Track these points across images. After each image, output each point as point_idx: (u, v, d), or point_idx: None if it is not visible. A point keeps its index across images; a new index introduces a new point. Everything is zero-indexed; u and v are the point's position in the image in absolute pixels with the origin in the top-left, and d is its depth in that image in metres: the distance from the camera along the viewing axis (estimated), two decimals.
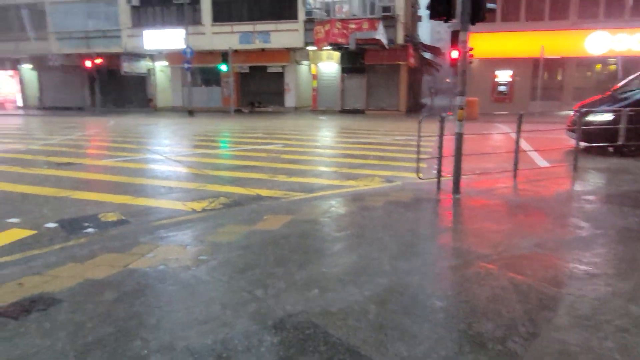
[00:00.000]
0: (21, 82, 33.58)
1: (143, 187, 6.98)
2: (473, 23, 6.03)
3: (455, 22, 6.19)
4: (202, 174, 8.02)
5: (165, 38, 26.90)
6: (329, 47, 24.60)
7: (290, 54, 26.55)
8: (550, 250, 4.06)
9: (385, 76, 25.65)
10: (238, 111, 27.01)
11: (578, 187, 6.89)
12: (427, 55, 35.81)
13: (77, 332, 2.68)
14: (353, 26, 23.09)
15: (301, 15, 24.68)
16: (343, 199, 6.08)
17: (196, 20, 26.49)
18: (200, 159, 9.69)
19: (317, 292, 3.18)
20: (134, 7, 27.53)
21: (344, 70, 26.17)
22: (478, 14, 5.99)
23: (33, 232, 4.80)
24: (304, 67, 27.82)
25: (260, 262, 3.79)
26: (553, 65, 23.49)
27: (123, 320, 2.80)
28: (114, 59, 28.11)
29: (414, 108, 28.42)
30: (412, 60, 25.72)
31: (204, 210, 5.69)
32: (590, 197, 6.14)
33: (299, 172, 8.11)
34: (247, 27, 25.84)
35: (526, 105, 23.11)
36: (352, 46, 23.00)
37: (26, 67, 32.81)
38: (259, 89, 28.49)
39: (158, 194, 6.55)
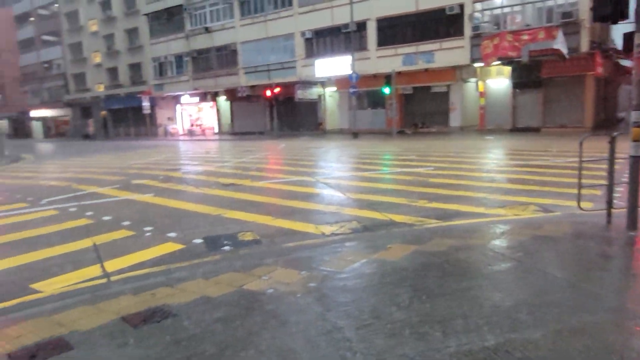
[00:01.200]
0: (218, 111, 39.25)
1: (284, 209, 7.36)
2: None
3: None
4: (343, 196, 8.13)
5: (333, 65, 28.57)
6: (498, 62, 22.98)
7: (455, 72, 25.59)
8: None
9: (567, 89, 22.78)
10: (401, 132, 26.98)
11: None
12: (626, 62, 30.71)
13: (173, 346, 2.87)
14: (526, 37, 21.17)
15: (467, 31, 23.66)
16: (481, 230, 5.47)
17: (362, 46, 27.52)
18: (347, 182, 9.86)
19: (410, 334, 2.85)
20: (307, 40, 29.96)
21: (516, 85, 24.08)
22: None
23: (182, 246, 5.42)
24: (470, 84, 26.49)
25: (363, 297, 3.60)
26: None
27: (212, 344, 2.91)
28: (289, 87, 30.92)
29: (605, 124, 24.54)
30: (600, 70, 22.35)
31: (332, 234, 5.72)
32: None
33: (441, 197, 7.62)
34: (410, 48, 25.84)
35: None
36: (524, 59, 21.09)
37: (221, 99, 38.26)
38: (423, 109, 28.07)
39: (296, 215, 6.82)
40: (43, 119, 54.46)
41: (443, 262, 4.30)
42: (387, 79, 24.95)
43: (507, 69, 23.95)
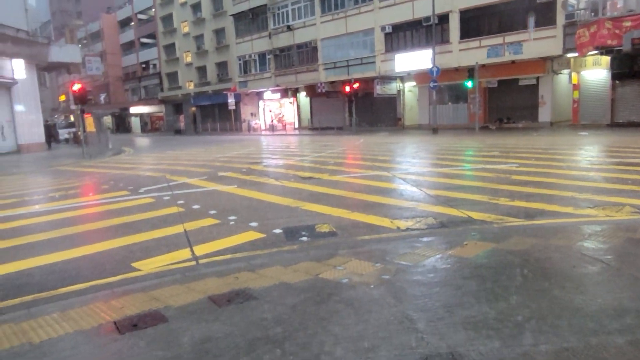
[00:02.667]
0: (297, 107, 40.21)
1: (360, 202, 7.47)
2: None
3: None
4: (421, 192, 8.06)
5: (413, 59, 28.07)
6: (595, 52, 21.23)
7: (545, 64, 24.05)
8: None
9: None
10: (484, 128, 25.91)
11: None
12: None
13: (254, 326, 3.10)
14: (629, 24, 19.34)
15: (560, 19, 22.10)
16: (567, 231, 5.18)
17: (444, 39, 26.76)
18: (425, 177, 9.73)
19: (484, 330, 2.84)
20: (387, 34, 29.69)
21: (616, 76, 22.11)
22: None
23: (263, 235, 5.73)
24: (562, 76, 24.75)
25: (436, 291, 3.61)
26: None
27: (289, 325, 3.10)
28: (368, 82, 30.88)
29: None
30: None
31: (407, 229, 5.73)
32: None
33: (525, 195, 7.29)
34: (496, 39, 24.66)
35: None
36: (626, 48, 19.30)
37: (301, 95, 39.12)
38: (508, 103, 26.74)
39: (372, 209, 6.89)
40: (140, 115, 59.22)
41: (523, 262, 4.16)
42: (470, 72, 24.06)
43: (606, 59, 22.07)
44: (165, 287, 3.95)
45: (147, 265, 4.80)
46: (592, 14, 21.38)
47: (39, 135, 28.51)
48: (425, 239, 5.11)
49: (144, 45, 56.96)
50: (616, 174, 9.04)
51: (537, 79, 24.88)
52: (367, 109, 33.54)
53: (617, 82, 22.22)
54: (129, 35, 59.10)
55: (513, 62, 24.69)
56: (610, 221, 5.65)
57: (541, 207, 6.54)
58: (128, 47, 59.94)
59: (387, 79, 31.11)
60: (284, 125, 40.82)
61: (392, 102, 32.79)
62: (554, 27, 22.50)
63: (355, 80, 30.43)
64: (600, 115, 22.80)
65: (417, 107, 31.43)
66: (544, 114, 25.01)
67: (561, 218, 5.92)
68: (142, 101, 57.05)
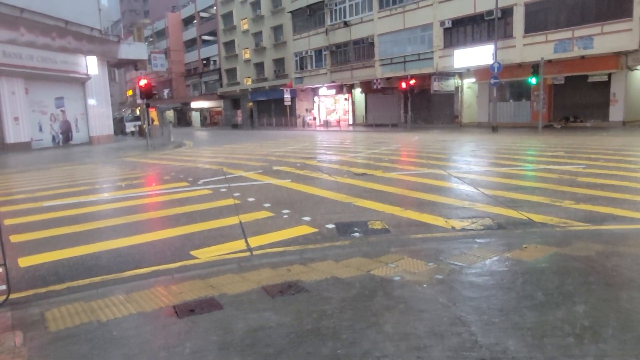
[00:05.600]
0: (352, 103, 40.09)
1: (413, 200, 7.35)
2: None
3: None
4: (478, 192, 7.81)
5: (473, 55, 27.14)
6: None
7: (619, 59, 22.49)
8: None
9: None
10: (549, 127, 24.67)
11: None
12: None
13: (305, 318, 3.15)
14: None
15: (637, 11, 20.56)
16: (637, 238, 4.85)
17: (507, 34, 25.67)
18: (482, 177, 9.42)
19: (541, 338, 2.72)
20: (446, 29, 28.90)
21: None
22: None
23: (315, 229, 5.79)
24: (637, 73, 23.05)
25: (492, 294, 3.49)
26: None
27: (339, 320, 3.12)
28: (425, 79, 30.24)
29: None
30: None
31: (463, 229, 5.59)
32: None
33: (592, 198, 6.89)
34: (564, 33, 23.32)
35: None
36: None
37: (357, 91, 38.96)
38: (576, 101, 25.28)
39: (425, 208, 6.77)
40: (200, 110, 61.37)
41: (587, 268, 3.94)
42: (535, 68, 22.94)
43: None
44: (220, 276, 4.10)
45: (204, 254, 4.98)
46: None
47: (109, 128, 30.28)
48: (481, 240, 4.96)
49: (205, 42, 58.93)
50: None
51: (609, 75, 23.31)
52: (423, 105, 32.88)
53: None
54: (191, 32, 61.35)
55: (582, 57, 23.27)
56: None
57: (610, 211, 6.15)
58: (190, 44, 62.25)
59: (445, 75, 30.32)
60: (338, 121, 40.82)
61: (449, 99, 31.94)
62: (629, 20, 20.96)
63: (412, 77, 29.89)
64: None
65: (475, 105, 30.42)
66: (616, 113, 23.41)
67: (632, 224, 5.54)
68: (202, 96, 59.09)
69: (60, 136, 27.05)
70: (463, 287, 3.66)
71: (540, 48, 24.04)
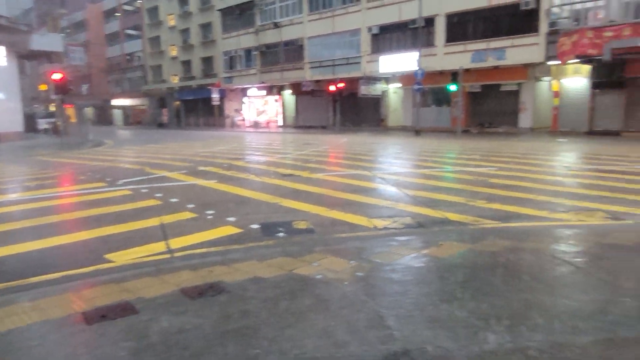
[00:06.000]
0: (282, 105, 40.09)
1: (339, 201, 7.49)
2: None
3: None
4: (399, 192, 8.12)
5: (399, 61, 28.24)
6: (576, 61, 21.67)
7: (528, 70, 24.45)
8: None
9: None
10: (466, 132, 26.22)
11: None
12: None
13: (224, 319, 3.09)
14: (609, 34, 19.79)
15: (543, 27, 22.48)
16: (540, 234, 5.28)
17: (429, 42, 26.98)
18: (405, 178, 9.81)
19: (452, 328, 2.88)
20: (374, 35, 29.81)
21: (595, 85, 22.60)
22: None
23: (240, 230, 5.71)
24: (543, 83, 25.18)
25: (409, 289, 3.64)
26: None
27: (259, 319, 3.10)
28: (353, 83, 30.95)
29: None
30: None
31: (385, 228, 5.77)
32: None
33: (502, 198, 7.41)
34: (480, 44, 24.97)
35: None
36: (606, 57, 19.73)
37: (287, 92, 39.02)
38: (490, 108, 27.09)
39: (350, 208, 6.92)
40: (123, 108, 58.35)
41: (495, 263, 4.23)
42: (454, 76, 24.31)
43: (586, 68, 22.53)
44: (137, 279, 3.91)
45: (121, 257, 4.74)
46: (575, 23, 21.82)
47: (18, 124, 27.85)
48: (401, 238, 5.15)
49: (129, 37, 56.12)
50: (591, 180, 9.25)
51: (519, 85, 25.27)
52: (351, 108, 33.63)
53: (596, 90, 22.71)
54: (113, 26, 58.14)
55: (496, 67, 25.04)
56: (582, 226, 5.78)
57: (517, 210, 6.65)
58: (113, 38, 58.96)
59: (372, 79, 31.24)
60: (268, 123, 40.64)
61: (376, 103, 32.94)
62: (536, 35, 22.89)
63: (341, 80, 30.48)
64: (579, 122, 23.28)
65: (401, 109, 31.64)
66: (525, 120, 25.42)
67: (535, 221, 6.03)
68: (125, 93, 56.20)
69: None
70: (382, 283, 3.78)
71: (459, 57, 25.53)
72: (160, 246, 5.09)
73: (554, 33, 21.98)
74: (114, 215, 6.57)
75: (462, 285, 3.69)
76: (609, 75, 21.91)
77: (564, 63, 22.40)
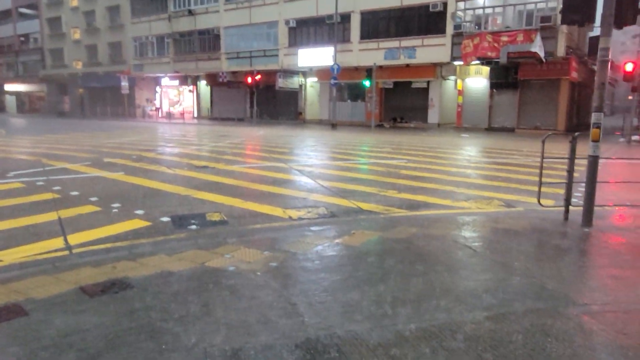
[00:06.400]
0: (197, 95, 38.76)
1: (254, 192, 7.41)
2: (619, 27, 5.13)
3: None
4: (315, 183, 8.21)
5: (316, 56, 28.50)
6: (477, 62, 23.34)
7: (435, 69, 25.89)
8: None
9: (542, 92, 23.36)
10: (380, 126, 27.19)
11: None
12: None
13: (127, 316, 2.91)
14: (505, 39, 21.52)
15: (449, 29, 23.90)
16: (444, 221, 5.62)
17: (345, 38, 27.53)
18: (320, 169, 9.95)
19: (361, 312, 2.97)
20: (291, 28, 29.79)
21: (494, 85, 24.54)
22: (625, 16, 5.07)
23: (148, 223, 5.42)
24: (449, 82, 26.84)
25: (320, 277, 3.69)
26: None
27: (167, 313, 2.97)
28: (271, 75, 30.72)
29: (577, 128, 25.22)
30: (574, 75, 22.94)
31: (299, 218, 5.80)
32: None
33: (411, 188, 7.78)
34: (393, 43, 25.97)
35: None
36: (503, 60, 21.45)
37: (202, 83, 37.78)
38: (402, 104, 28.31)
39: (266, 199, 6.87)
40: (17, 94, 52.85)
41: (403, 249, 4.43)
42: (368, 72, 25.08)
43: (486, 69, 24.34)
44: (29, 279, 3.57)
45: (11, 255, 4.28)
46: (477, 27, 23.44)
47: None
48: (315, 228, 5.21)
49: (23, 15, 50.74)
50: (489, 171, 10.02)
51: (428, 82, 26.69)
52: (269, 101, 33.38)
53: (494, 90, 24.67)
54: (5, 3, 52.22)
55: (407, 65, 26.20)
56: (480, 213, 6.24)
57: (424, 199, 7.02)
58: (3, 16, 52.97)
59: (290, 73, 31.25)
60: (182, 114, 39.06)
61: (293, 96, 33.01)
62: (443, 36, 24.28)
63: (258, 72, 30.08)
64: (480, 119, 25.14)
65: (318, 103, 32.01)
66: (433, 116, 26.92)
67: (441, 209, 6.40)
68: (19, 78, 50.89)
69: None
70: (295, 272, 3.80)
71: (373, 54, 26.35)
72: (57, 242, 4.68)
73: (459, 35, 23.46)
74: (2, 210, 5.93)
75: (371, 271, 3.82)
76: (505, 76, 23.88)
77: (467, 64, 24.00)
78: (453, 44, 23.83)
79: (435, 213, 6.18)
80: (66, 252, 4.43)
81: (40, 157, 11.48)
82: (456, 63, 24.57)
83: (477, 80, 25.26)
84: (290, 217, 5.83)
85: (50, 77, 46.99)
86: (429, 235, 4.90)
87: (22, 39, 51.25)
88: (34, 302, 3.13)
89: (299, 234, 4.91)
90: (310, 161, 11.48)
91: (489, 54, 22.00)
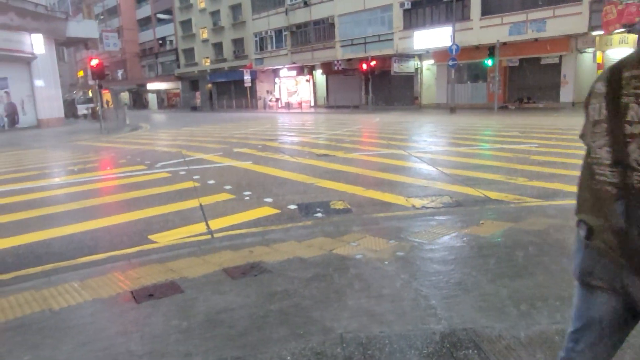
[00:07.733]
0: (314, 85, 39.88)
1: (375, 180, 7.43)
2: None
3: None
4: (436, 170, 7.97)
5: (433, 37, 27.46)
6: (622, 30, 20.48)
7: (569, 42, 23.34)
8: None
9: None
10: (504, 108, 25.41)
11: None
12: None
13: (268, 298, 3.13)
14: None
15: None
16: None
17: (464, 16, 26.08)
18: (441, 156, 9.62)
19: (497, 308, 2.82)
20: (405, 10, 29.04)
21: None
22: None
23: (277, 211, 5.75)
24: (586, 55, 24.00)
25: (450, 268, 3.58)
26: None
27: (301, 298, 3.12)
28: (385, 60, 30.38)
29: None
30: None
31: (423, 207, 5.69)
32: None
33: (543, 175, 7.16)
34: (519, 16, 23.94)
35: None
36: None
37: (318, 72, 38.74)
38: (529, 83, 26.10)
39: (386, 187, 6.84)
40: (157, 92, 59.43)
41: (539, 241, 4.11)
42: (491, 50, 23.51)
43: (633, 37, 21.24)
44: (180, 259, 4.01)
45: (163, 238, 4.86)
46: None
47: (59, 110, 28.85)
48: (440, 218, 5.07)
49: (160, 21, 56.74)
50: None
51: (560, 57, 24.17)
52: (383, 87, 33.10)
53: None
54: (145, 10, 58.86)
55: (536, 39, 23.99)
56: None
57: (559, 187, 6.42)
58: (144, 23, 59.79)
59: (405, 56, 30.56)
60: (300, 103, 40.57)
61: (409, 81, 32.28)
62: (579, 4, 21.73)
63: (373, 58, 29.94)
64: None
65: (434, 86, 30.91)
66: (566, 94, 24.37)
67: None
68: (158, 77, 57.16)
69: (6, 119, 25.61)
70: (423, 263, 3.74)
71: (496, 30, 24.59)
72: (200, 227, 5.19)
73: (599, 1, 20.80)
74: (154, 197, 6.73)
75: (505, 265, 3.60)
76: None
77: (609, 33, 21.20)
78: (591, 12, 21.24)
79: (573, 202, 5.61)
80: (208, 236, 4.89)
81: (180, 148, 12.79)
82: (595, 33, 21.86)
83: (622, 51, 22.18)
84: (413, 206, 5.75)
85: (183, 75, 51.96)
86: (568, 227, 4.46)
87: (160, 42, 57.37)
88: (186, 280, 3.51)
89: (424, 224, 4.82)
90: (430, 147, 11.16)
91: (638, 19, 19.17)
